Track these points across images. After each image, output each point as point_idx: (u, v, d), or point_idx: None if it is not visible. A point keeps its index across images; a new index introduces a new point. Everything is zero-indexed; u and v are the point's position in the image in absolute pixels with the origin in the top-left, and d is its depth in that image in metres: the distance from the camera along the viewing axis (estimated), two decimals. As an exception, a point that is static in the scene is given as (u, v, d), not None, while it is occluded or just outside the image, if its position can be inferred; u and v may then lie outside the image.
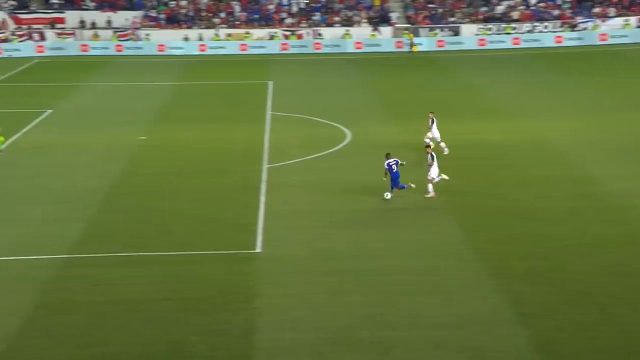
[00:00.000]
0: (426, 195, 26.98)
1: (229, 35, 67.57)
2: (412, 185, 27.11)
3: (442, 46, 65.76)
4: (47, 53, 64.36)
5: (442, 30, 67.03)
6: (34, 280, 20.79)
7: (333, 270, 21.55)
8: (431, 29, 67.15)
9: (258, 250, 23.06)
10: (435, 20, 68.23)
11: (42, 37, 65.78)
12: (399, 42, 66.03)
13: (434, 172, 27.06)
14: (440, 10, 69.09)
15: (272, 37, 66.91)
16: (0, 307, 19.30)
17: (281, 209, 26.67)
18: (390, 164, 26.80)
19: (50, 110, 42.75)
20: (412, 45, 64.31)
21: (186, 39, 66.80)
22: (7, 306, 19.32)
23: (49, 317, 18.84)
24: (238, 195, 28.16)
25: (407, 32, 65.70)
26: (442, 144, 32.43)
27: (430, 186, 27.01)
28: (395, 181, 26.87)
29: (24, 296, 19.82)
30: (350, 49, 65.83)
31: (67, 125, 39.56)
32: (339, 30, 67.74)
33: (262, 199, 27.65)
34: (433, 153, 27.53)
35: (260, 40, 67.08)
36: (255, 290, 20.35)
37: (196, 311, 19.22)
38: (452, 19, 68.19)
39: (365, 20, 68.53)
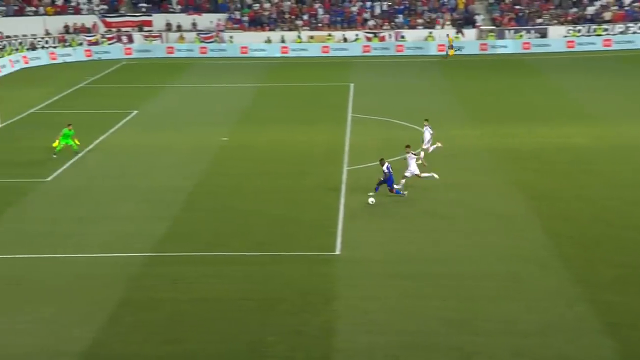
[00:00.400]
0: (402, 191, 27.82)
1: (311, 37, 68.01)
2: (404, 193, 27.65)
3: (528, 48, 64.59)
4: (135, 55, 66.16)
5: (528, 32, 65.82)
6: (121, 277, 21.42)
7: (411, 274, 21.46)
8: (516, 31, 66.04)
9: (337, 252, 23.16)
10: (522, 22, 67.06)
11: (130, 40, 67.67)
12: (483, 44, 65.21)
13: (412, 169, 28.02)
14: (527, 12, 67.85)
15: (354, 40, 67.03)
16: (90, 301, 19.97)
17: (360, 211, 26.70)
18: (390, 167, 27.45)
19: (136, 111, 43.96)
20: (450, 48, 63.34)
21: (268, 41, 67.59)
22: (96, 301, 19.99)
23: (134, 313, 19.38)
24: (318, 196, 28.32)
25: (448, 35, 64.87)
26: (430, 149, 31.94)
27: (402, 181, 27.71)
28: (390, 184, 27.30)
29: (111, 292, 20.45)
30: (433, 51, 65.32)
31: (152, 125, 40.58)
32: (421, 33, 67.35)
33: (342, 200, 27.76)
34: (413, 153, 28.13)
35: (342, 43, 67.28)
36: (334, 292, 20.44)
37: (275, 312, 19.43)
38: (539, 21, 66.89)
39: (449, 23, 67.91)
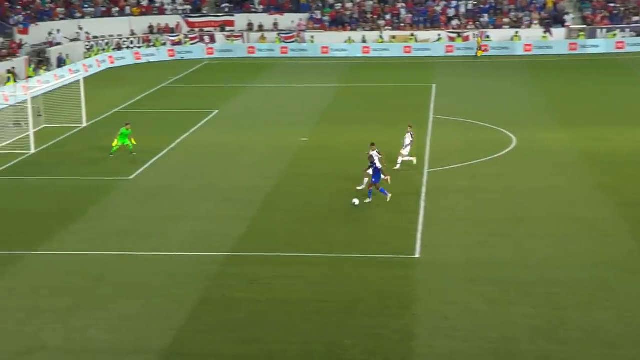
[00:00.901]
0: (358, 187, 28.22)
1: (393, 37, 67.71)
2: (386, 188, 27.48)
3: (621, 48, 62.67)
4: (216, 55, 67.22)
5: (622, 31, 63.81)
6: (200, 276, 21.73)
7: (495, 279, 21.06)
8: (609, 30, 64.13)
9: (417, 255, 22.96)
10: (616, 20, 65.04)
11: (212, 40, 68.77)
12: (572, 44, 63.63)
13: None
14: (622, 10, 65.74)
15: (437, 40, 66.40)
16: (170, 299, 20.31)
17: (441, 215, 26.44)
18: (374, 155, 27.04)
19: (217, 111, 44.61)
20: (478, 49, 62.15)
21: (350, 41, 67.62)
22: (175, 299, 20.32)
23: (212, 312, 19.61)
24: (398, 198, 28.14)
25: (477, 35, 63.85)
26: (406, 158, 31.47)
27: (365, 180, 27.98)
28: (376, 178, 26.85)
29: (190, 291, 20.76)
30: (519, 51, 64.13)
31: (232, 125, 41.13)
32: (507, 32, 66.18)
33: (422, 203, 27.54)
34: (373, 154, 27.45)
35: (425, 43, 66.75)
36: (414, 296, 20.25)
37: (354, 314, 19.36)
38: (635, 19, 64.69)
39: (537, 22, 66.50)
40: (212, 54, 67.43)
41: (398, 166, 31.43)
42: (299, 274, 21.74)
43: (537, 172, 31.00)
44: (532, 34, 65.21)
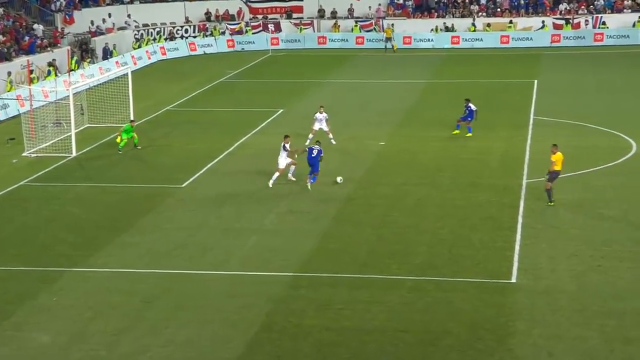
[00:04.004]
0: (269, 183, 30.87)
1: (488, 25, 67.35)
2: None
3: None
4: (282, 46, 68.01)
5: None
6: (262, 298, 22.01)
7: (612, 311, 20.80)
8: None
9: (514, 280, 22.83)
10: None
11: (278, 28, 69.60)
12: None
13: (281, 162, 31.29)
14: None
15: (541, 27, 65.72)
16: (228, 324, 20.65)
17: (544, 233, 26.21)
18: (313, 149, 30.94)
19: (283, 110, 45.14)
20: (387, 40, 63.07)
21: (437, 29, 67.51)
22: (234, 324, 20.64)
23: (276, 340, 19.86)
24: (492, 213, 28.02)
25: (387, 27, 64.53)
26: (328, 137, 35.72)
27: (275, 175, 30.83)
28: (312, 167, 30.64)
29: (251, 315, 21.06)
30: (644, 40, 63.01)
31: (299, 126, 41.45)
32: (629, 17, 65.00)
33: (521, 219, 27.37)
34: (287, 145, 31.13)
35: (526, 31, 66.22)
36: (511, 328, 20.13)
37: (439, 347, 19.37)
38: None
39: (664, 3, 65.32)
40: (277, 44, 68.24)
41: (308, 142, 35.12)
42: (375, 299, 21.84)
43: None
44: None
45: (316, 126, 37.03)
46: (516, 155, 34.43)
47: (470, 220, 27.47)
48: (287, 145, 31.43)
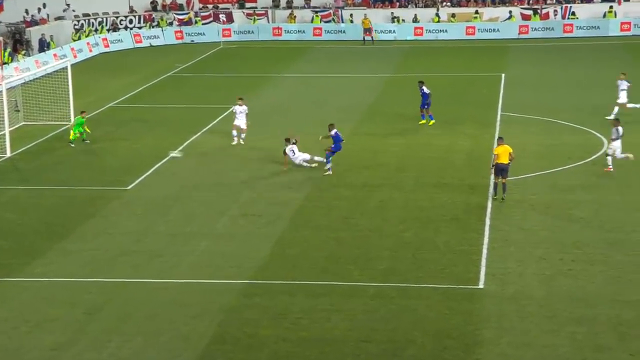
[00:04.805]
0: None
1: (453, 15, 67.85)
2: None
3: None
4: (234, 37, 67.89)
5: None
6: (214, 307, 21.96)
7: (583, 318, 21.06)
8: None
9: (481, 285, 23.02)
10: None
11: (230, 19, 69.46)
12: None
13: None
14: None
15: (508, 18, 66.37)
16: (178, 335, 20.57)
17: (513, 235, 26.46)
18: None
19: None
20: (366, 31, 63.99)
21: (398, 20, 67.84)
22: (184, 335, 20.56)
23: (229, 353, 19.82)
24: (458, 215, 28.23)
25: (365, 18, 65.34)
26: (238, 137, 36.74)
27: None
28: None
29: (202, 326, 21.01)
30: (615, 31, 63.86)
31: (254, 124, 41.33)
32: (599, 8, 65.89)
33: (488, 221, 27.59)
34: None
35: (493, 22, 66.81)
36: (478, 337, 20.31)
37: (403, 357, 19.47)
38: None
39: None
40: (229, 36, 68.13)
41: (236, 141, 36.93)
42: (336, 308, 21.90)
43: (637, 183, 30.87)
44: (632, 9, 64.74)
45: (236, 121, 37.12)
46: (482, 153, 34.68)
47: (434, 222, 27.65)
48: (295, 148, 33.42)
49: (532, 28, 65.46)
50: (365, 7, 69.29)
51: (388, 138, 37.91)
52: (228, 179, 32.86)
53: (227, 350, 19.98)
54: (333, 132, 32.92)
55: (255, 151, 36.42)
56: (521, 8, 67.12)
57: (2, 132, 37.24)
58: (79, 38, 62.79)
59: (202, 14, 69.62)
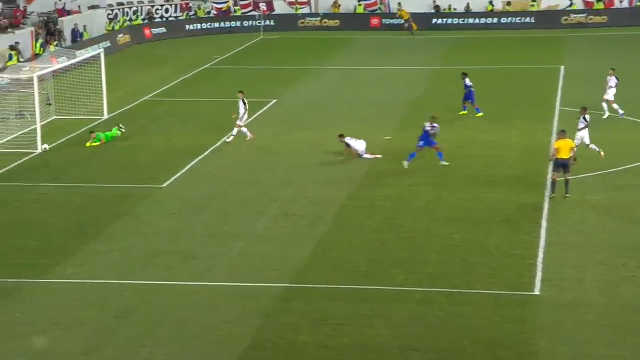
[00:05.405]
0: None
1: (508, 4, 67.43)
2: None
3: None
4: (275, 27, 67.95)
5: None
6: (252, 312, 21.98)
7: (649, 328, 20.82)
8: None
9: (537, 292, 22.83)
10: None
11: (270, 8, 69.56)
12: None
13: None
14: None
15: (569, 6, 65.79)
16: (213, 341, 20.62)
17: (571, 238, 26.26)
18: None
19: (275, 100, 45.14)
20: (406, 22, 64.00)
21: (450, 8, 67.58)
22: (220, 341, 20.60)
23: None
24: (511, 216, 28.04)
25: (401, 9, 65.26)
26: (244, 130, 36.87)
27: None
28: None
29: (239, 331, 21.01)
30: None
31: (294, 119, 41.58)
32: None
33: (545, 223, 27.37)
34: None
35: (553, 9, 66.26)
36: (533, 346, 20.13)
37: (451, 367, 19.43)
38: None
39: None
40: (269, 25, 68.15)
41: (232, 138, 36.93)
42: (379, 314, 21.83)
43: None
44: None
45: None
46: (538, 150, 34.41)
47: (485, 224, 27.46)
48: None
49: (595, 16, 64.74)
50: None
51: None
52: (267, 177, 32.91)
53: (265, 357, 19.98)
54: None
55: (295, 147, 36.45)
56: (583, -6, 66.49)
57: (34, 127, 37.62)
58: (113, 28, 63.32)
59: (242, 2, 69.82)
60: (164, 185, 32.18)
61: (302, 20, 69.09)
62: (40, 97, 38.88)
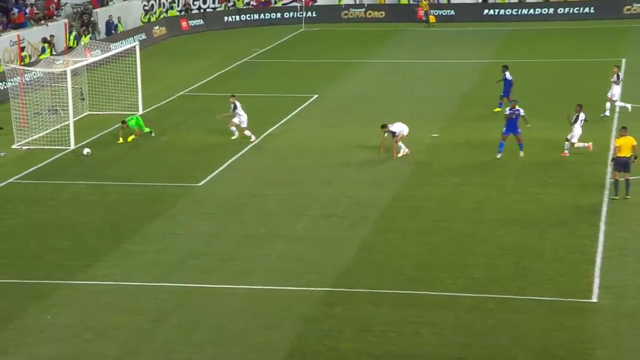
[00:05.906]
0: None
1: (566, -7, 67.02)
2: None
3: None
4: (317, 19, 67.98)
5: None
6: (291, 317, 22.01)
7: None
8: None
9: (594, 299, 22.64)
10: None
11: (312, -1, 69.62)
12: None
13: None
14: None
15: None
16: (251, 347, 20.65)
17: (632, 243, 26.06)
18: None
19: (317, 96, 45.13)
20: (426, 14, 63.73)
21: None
22: (258, 347, 20.64)
23: (306, 367, 19.93)
24: (567, 218, 27.84)
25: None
26: (247, 132, 36.92)
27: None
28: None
29: (278, 337, 21.05)
30: None
31: (336, 115, 41.53)
32: None
33: (603, 226, 27.16)
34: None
35: None
36: (590, 357, 19.98)
37: (502, 378, 19.32)
38: None
39: None
40: (311, 17, 68.21)
41: (253, 137, 36.97)
42: (425, 320, 21.76)
43: None
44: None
45: (236, 119, 37.20)
46: (596, 149, 34.08)
47: (539, 226, 27.28)
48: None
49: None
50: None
51: (484, 131, 37.49)
52: (307, 176, 32.92)
53: (305, 365, 20.02)
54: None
55: (336, 145, 36.41)
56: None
57: (67, 123, 37.92)
58: (149, 20, 63.67)
59: (283, -8, 69.92)
60: (200, 184, 32.30)
61: (346, 12, 69.13)
62: (74, 91, 39.14)
